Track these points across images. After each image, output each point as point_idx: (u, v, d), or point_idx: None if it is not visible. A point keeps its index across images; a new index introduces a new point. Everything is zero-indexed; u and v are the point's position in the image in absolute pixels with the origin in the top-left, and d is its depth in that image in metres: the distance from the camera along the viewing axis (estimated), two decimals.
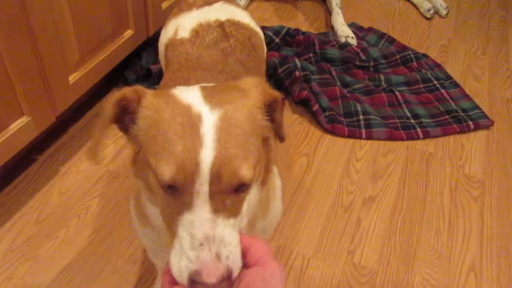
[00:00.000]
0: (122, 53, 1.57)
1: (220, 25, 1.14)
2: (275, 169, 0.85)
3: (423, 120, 1.78)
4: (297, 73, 1.76)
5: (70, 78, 1.35)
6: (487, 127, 1.83)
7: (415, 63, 2.03)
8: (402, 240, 1.41)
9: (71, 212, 1.33)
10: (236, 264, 0.54)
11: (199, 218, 0.55)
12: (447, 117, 1.81)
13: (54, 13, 1.21)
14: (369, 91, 1.85)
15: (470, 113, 1.84)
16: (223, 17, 1.16)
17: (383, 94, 1.84)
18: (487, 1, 2.67)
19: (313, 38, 1.99)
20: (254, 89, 0.63)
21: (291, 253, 1.33)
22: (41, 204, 1.34)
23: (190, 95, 0.60)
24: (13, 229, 1.28)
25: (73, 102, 1.40)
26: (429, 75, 1.98)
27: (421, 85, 1.94)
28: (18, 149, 1.25)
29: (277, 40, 1.99)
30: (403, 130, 1.73)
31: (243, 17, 1.23)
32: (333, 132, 1.69)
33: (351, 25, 2.24)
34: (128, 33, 1.56)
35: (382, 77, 1.94)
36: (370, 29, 2.23)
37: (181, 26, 1.16)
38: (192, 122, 0.56)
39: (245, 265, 0.56)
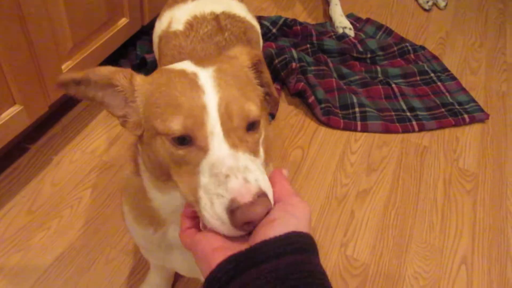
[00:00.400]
0: (117, 42, 1.55)
1: (215, 18, 1.12)
2: (271, 165, 0.85)
3: (418, 113, 1.78)
4: (294, 64, 1.75)
5: (63, 67, 1.34)
6: (482, 120, 1.83)
7: (412, 55, 2.02)
8: (395, 233, 1.41)
9: (64, 202, 1.33)
10: (266, 186, 0.52)
11: (219, 156, 0.53)
12: (443, 110, 1.81)
13: (47, 0, 1.18)
14: (365, 83, 1.84)
15: (466, 107, 1.84)
16: (219, 9, 1.15)
17: (380, 87, 1.84)
18: None
19: (310, 28, 1.97)
20: (240, 53, 0.67)
21: None
22: (34, 194, 1.34)
23: (181, 64, 0.63)
24: (5, 219, 1.27)
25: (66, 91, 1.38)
26: (426, 67, 1.97)
27: (418, 78, 1.93)
28: (10, 138, 1.24)
29: (274, 30, 1.97)
30: (398, 122, 1.73)
31: (240, 9, 1.21)
32: (328, 124, 1.69)
33: (349, 16, 2.22)
34: (123, 21, 1.54)
35: (379, 69, 1.93)
36: (368, 20, 2.21)
37: (175, 18, 1.14)
38: (189, 79, 0.57)
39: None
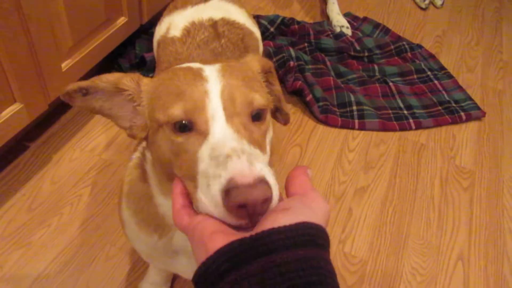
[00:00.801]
0: (115, 41, 1.56)
1: (213, 24, 1.11)
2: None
3: (415, 111, 1.79)
4: (291, 63, 1.76)
5: (63, 65, 1.34)
6: (479, 118, 1.84)
7: (409, 54, 2.03)
8: (392, 230, 1.42)
9: (64, 200, 1.34)
10: (271, 180, 0.47)
11: (220, 138, 0.49)
12: (440, 108, 1.82)
13: None
14: (363, 81, 1.85)
15: (463, 104, 1.85)
16: (217, 15, 1.14)
17: (377, 85, 1.85)
18: None
19: (308, 27, 1.98)
20: (251, 59, 0.66)
21: None
22: (34, 192, 1.34)
23: (188, 64, 0.62)
24: (5, 217, 1.28)
25: None
26: (423, 66, 1.98)
27: (415, 76, 1.95)
28: (10, 136, 1.24)
29: (272, 29, 1.98)
30: (395, 121, 1.74)
31: (240, 16, 1.20)
32: (326, 123, 1.70)
33: (346, 15, 2.23)
34: (122, 20, 1.55)
35: (376, 67, 1.94)
36: (365, 19, 2.22)
37: (173, 24, 1.15)
38: (194, 71, 0.57)
39: (287, 194, 0.50)
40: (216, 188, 0.46)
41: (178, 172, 0.54)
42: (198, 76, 0.56)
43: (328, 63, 1.89)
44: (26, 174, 1.38)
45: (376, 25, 2.19)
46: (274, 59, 1.78)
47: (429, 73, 1.96)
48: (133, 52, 1.71)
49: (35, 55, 1.21)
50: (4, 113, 1.20)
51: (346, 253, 1.34)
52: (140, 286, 1.17)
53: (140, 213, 0.75)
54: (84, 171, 1.41)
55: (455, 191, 1.57)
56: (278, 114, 0.72)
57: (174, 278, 1.21)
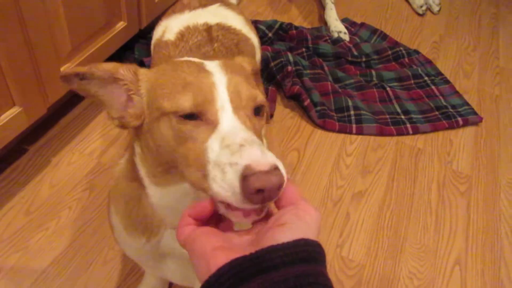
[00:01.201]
0: (114, 45, 1.56)
1: (208, 29, 1.12)
2: None
3: (413, 116, 1.80)
4: (289, 67, 1.77)
5: (62, 69, 1.35)
6: (475, 123, 1.85)
7: (406, 59, 2.04)
8: (389, 234, 1.43)
9: (62, 203, 1.34)
10: (281, 165, 0.50)
11: (230, 129, 0.52)
12: (437, 113, 1.83)
13: (46, 3, 1.20)
14: (360, 86, 1.86)
15: (460, 109, 1.87)
16: (213, 20, 1.15)
17: (374, 90, 1.86)
18: None
19: (306, 33, 2.00)
20: (241, 60, 0.70)
21: None
22: (32, 195, 1.34)
23: (187, 57, 0.65)
24: (3, 220, 1.28)
25: (64, 93, 1.40)
26: (420, 71, 2.00)
27: (412, 81, 1.96)
28: (9, 140, 1.25)
29: (270, 34, 1.99)
30: (393, 125, 1.75)
31: (237, 22, 1.21)
32: (324, 127, 1.71)
33: (344, 20, 2.24)
34: (121, 25, 1.56)
35: (373, 72, 1.95)
36: (362, 25, 2.24)
37: (169, 27, 1.16)
38: (196, 64, 0.59)
39: (278, 206, 0.51)
40: (234, 175, 0.47)
41: (182, 160, 0.55)
42: (202, 69, 0.58)
43: (326, 68, 1.90)
44: (24, 177, 1.39)
45: (374, 31, 2.21)
46: (272, 64, 1.79)
47: (426, 78, 1.98)
48: (132, 57, 1.72)
49: (34, 59, 1.22)
50: (3, 116, 1.20)
51: (344, 257, 1.34)
52: None
53: (128, 217, 0.75)
54: (83, 174, 1.42)
55: (452, 196, 1.58)
56: None
57: (171, 282, 1.21)
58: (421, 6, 2.43)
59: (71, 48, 1.36)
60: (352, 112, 1.74)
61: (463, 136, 1.80)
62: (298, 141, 1.66)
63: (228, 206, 0.50)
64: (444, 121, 1.80)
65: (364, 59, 1.99)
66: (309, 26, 2.19)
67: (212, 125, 0.53)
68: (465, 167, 1.69)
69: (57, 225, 1.29)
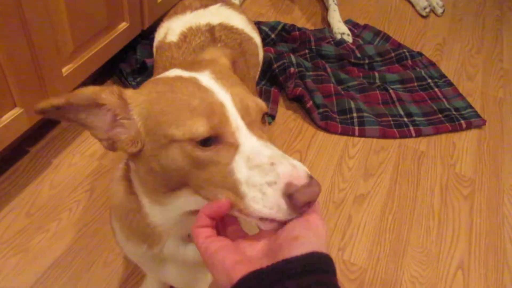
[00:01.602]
0: (117, 46, 1.56)
1: (210, 29, 1.11)
2: None
3: (416, 118, 1.79)
4: (292, 69, 1.76)
5: (63, 70, 1.35)
6: (479, 126, 1.84)
7: (409, 61, 2.03)
8: (392, 238, 1.42)
9: (63, 205, 1.33)
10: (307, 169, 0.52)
11: (253, 148, 0.52)
12: (440, 115, 1.82)
13: (48, 3, 1.19)
14: (363, 88, 1.85)
15: (463, 112, 1.85)
16: (216, 21, 1.14)
17: (377, 92, 1.85)
18: (483, 1, 2.68)
19: (308, 34, 1.99)
20: (217, 56, 0.69)
21: None
22: (33, 197, 1.34)
23: (170, 72, 0.62)
24: (4, 222, 1.27)
25: None
26: (423, 73, 1.99)
27: (415, 84, 1.95)
28: (10, 141, 1.24)
29: (273, 35, 1.99)
30: (396, 128, 1.74)
31: (239, 21, 1.20)
32: (326, 129, 1.70)
33: (347, 22, 2.24)
34: (123, 25, 1.55)
35: (376, 74, 1.94)
36: (366, 26, 2.23)
37: (171, 29, 1.15)
38: (192, 82, 0.57)
39: None
40: (276, 193, 0.50)
41: (202, 183, 0.55)
42: (200, 87, 0.56)
43: (328, 69, 1.90)
44: (25, 178, 1.38)
45: (377, 33, 2.20)
46: (275, 66, 1.79)
47: (429, 80, 1.97)
48: (134, 58, 1.72)
49: (36, 60, 1.21)
50: (4, 117, 1.20)
51: (345, 261, 1.34)
52: None
53: (128, 227, 0.74)
54: (84, 176, 1.41)
55: (455, 199, 1.57)
56: None
57: (173, 287, 1.20)
58: (425, 8, 2.42)
59: (73, 49, 1.36)
60: (354, 114, 1.73)
61: (466, 139, 1.79)
62: (300, 143, 1.65)
63: (263, 219, 0.52)
64: (447, 124, 1.79)
65: (367, 61, 1.99)
66: (312, 28, 2.18)
67: (233, 147, 0.53)
68: (468, 171, 1.67)
69: (57, 227, 1.28)
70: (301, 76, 1.79)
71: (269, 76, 1.81)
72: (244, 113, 0.55)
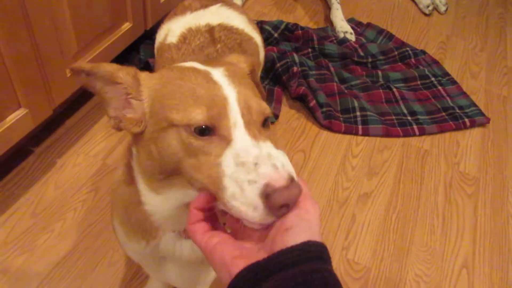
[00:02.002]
0: (120, 46, 1.56)
1: (210, 30, 1.11)
2: None
3: (419, 117, 1.79)
4: (295, 68, 1.76)
5: (67, 71, 1.35)
6: (483, 124, 1.84)
7: (413, 60, 2.03)
8: (396, 237, 1.42)
9: (68, 205, 1.34)
10: (292, 170, 0.53)
11: (242, 146, 0.54)
12: (444, 114, 1.82)
13: (52, 4, 1.20)
14: (366, 87, 1.85)
15: (467, 111, 1.85)
16: (215, 21, 1.14)
17: (381, 91, 1.85)
18: None
19: (311, 33, 1.99)
20: (238, 61, 0.71)
21: None
22: (38, 197, 1.35)
23: (189, 63, 0.64)
24: (9, 222, 1.28)
25: (70, 95, 1.40)
26: (426, 72, 1.98)
27: (419, 82, 1.94)
28: (15, 142, 1.25)
29: (275, 35, 1.98)
30: (399, 126, 1.74)
31: (239, 21, 1.20)
32: (330, 128, 1.70)
33: (350, 21, 2.23)
34: (126, 25, 1.56)
35: (379, 73, 1.94)
36: (369, 25, 2.23)
37: (171, 30, 1.15)
38: (203, 74, 0.59)
39: None
40: (255, 193, 0.50)
41: (191, 170, 0.56)
42: (210, 80, 0.58)
43: (331, 68, 1.89)
44: (30, 179, 1.39)
45: (380, 31, 2.20)
46: (278, 65, 1.79)
47: (433, 79, 1.96)
48: (138, 57, 1.72)
49: (40, 61, 1.22)
50: (9, 118, 1.20)
51: (350, 260, 1.34)
52: None
53: (127, 222, 0.75)
54: (88, 176, 1.42)
55: (459, 198, 1.57)
56: None
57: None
58: (428, 6, 2.41)
59: (77, 50, 1.36)
60: (358, 113, 1.73)
61: (470, 138, 1.79)
62: (304, 143, 1.65)
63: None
64: (451, 122, 1.78)
65: (370, 60, 1.98)
66: (315, 27, 2.18)
67: (226, 140, 0.54)
68: (472, 169, 1.67)
69: (62, 227, 1.29)
70: (304, 75, 1.79)
71: (272, 75, 1.81)
72: (245, 112, 0.56)
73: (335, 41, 2.03)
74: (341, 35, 2.09)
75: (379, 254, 1.36)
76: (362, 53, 2.01)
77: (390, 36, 2.17)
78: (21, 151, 1.44)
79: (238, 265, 0.48)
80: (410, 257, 1.37)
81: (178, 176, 0.59)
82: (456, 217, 1.50)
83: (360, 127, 1.71)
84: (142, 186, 0.66)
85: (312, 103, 1.71)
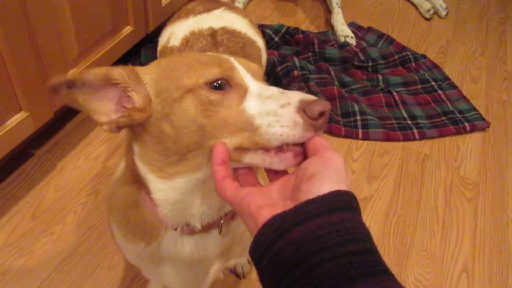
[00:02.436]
0: (121, 50, 1.57)
1: (213, 33, 1.12)
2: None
3: (419, 121, 1.79)
4: (296, 72, 1.76)
5: (68, 74, 1.35)
6: (483, 129, 1.84)
7: (413, 64, 2.03)
8: (396, 241, 1.42)
9: (68, 208, 1.34)
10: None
11: (261, 87, 0.58)
12: (444, 118, 1.82)
13: (53, 8, 1.20)
14: (367, 91, 1.86)
15: (467, 115, 1.85)
16: (218, 25, 1.15)
17: (381, 95, 1.85)
18: (487, 3, 2.68)
19: (312, 37, 1.99)
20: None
21: None
22: (38, 200, 1.35)
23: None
24: (9, 224, 1.28)
25: None
26: (427, 76, 1.98)
27: (419, 86, 1.95)
28: (16, 144, 1.25)
29: (276, 38, 1.99)
30: (399, 130, 1.74)
31: (242, 25, 1.21)
32: (330, 132, 1.70)
33: (351, 25, 2.24)
34: (128, 29, 1.56)
35: (380, 77, 1.95)
36: (369, 29, 2.23)
37: (174, 33, 1.15)
38: (201, 51, 0.67)
39: (306, 155, 0.55)
40: (291, 111, 0.53)
41: (219, 133, 0.56)
42: (213, 50, 0.65)
43: (332, 72, 1.90)
44: (30, 181, 1.39)
45: (381, 35, 2.20)
46: (279, 69, 1.79)
47: (433, 83, 1.96)
48: (139, 61, 1.73)
49: (41, 64, 1.22)
50: (10, 121, 1.21)
51: None
52: None
53: (126, 225, 0.74)
54: (88, 179, 1.42)
55: (459, 202, 1.56)
56: None
57: None
58: (428, 10, 2.42)
59: (78, 53, 1.37)
60: (358, 117, 1.73)
61: (470, 142, 1.79)
62: None
63: (279, 150, 0.54)
64: (451, 127, 1.78)
65: (370, 64, 1.99)
66: (316, 31, 2.18)
67: (242, 89, 0.58)
68: (473, 173, 1.67)
69: (62, 229, 1.29)
70: (305, 79, 1.80)
71: (272, 79, 1.82)
72: (248, 69, 0.62)
73: (335, 45, 2.04)
74: (342, 39, 2.10)
75: None
76: (362, 57, 2.02)
77: (390, 40, 2.18)
78: (21, 154, 1.45)
79: (264, 215, 0.47)
80: (410, 261, 1.37)
81: (193, 154, 0.58)
82: (456, 222, 1.50)
83: (360, 131, 1.71)
84: (149, 176, 0.64)
85: None
